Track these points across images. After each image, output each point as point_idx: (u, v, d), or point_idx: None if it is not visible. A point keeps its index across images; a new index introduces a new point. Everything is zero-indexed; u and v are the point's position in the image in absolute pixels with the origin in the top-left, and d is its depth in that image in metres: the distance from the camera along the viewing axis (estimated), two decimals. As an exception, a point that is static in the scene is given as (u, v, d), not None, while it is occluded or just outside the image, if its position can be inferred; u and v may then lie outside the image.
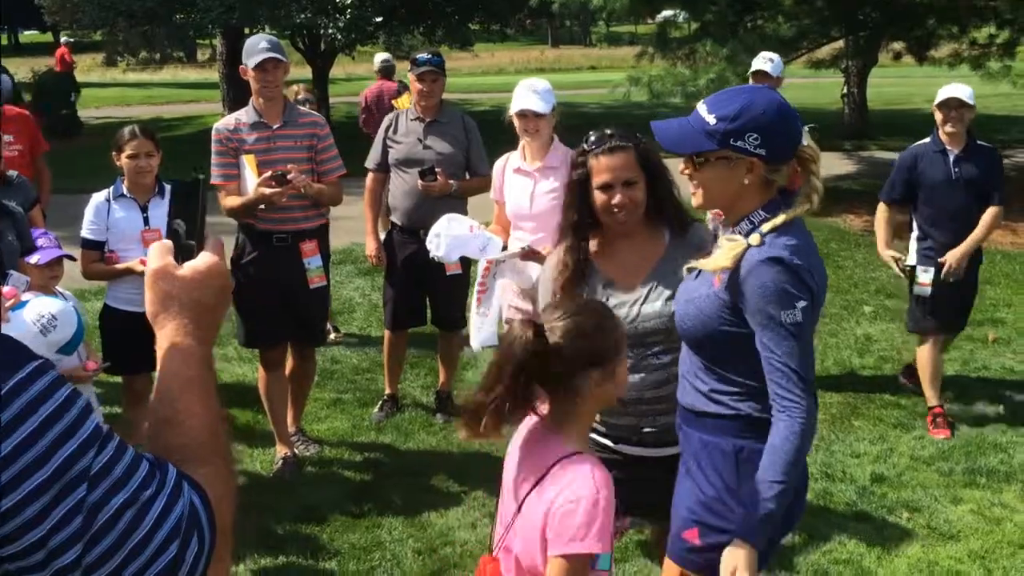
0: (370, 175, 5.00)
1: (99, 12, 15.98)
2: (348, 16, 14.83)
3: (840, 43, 13.75)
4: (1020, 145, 14.15)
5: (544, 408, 2.04)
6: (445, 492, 4.29)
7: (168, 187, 3.96)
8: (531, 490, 1.96)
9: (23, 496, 0.90)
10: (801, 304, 2.05)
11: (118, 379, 4.50)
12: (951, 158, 4.80)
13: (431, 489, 4.32)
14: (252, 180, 4.17)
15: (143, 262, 3.68)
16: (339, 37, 15.17)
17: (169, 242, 1.21)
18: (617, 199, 2.49)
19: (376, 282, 7.02)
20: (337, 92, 23.60)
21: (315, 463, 4.59)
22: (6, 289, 3.06)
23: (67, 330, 3.26)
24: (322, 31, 15.17)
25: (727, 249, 2.12)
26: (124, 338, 4.01)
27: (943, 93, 4.81)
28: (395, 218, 4.93)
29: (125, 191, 4.14)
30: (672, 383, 2.43)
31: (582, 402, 1.99)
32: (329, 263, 4.58)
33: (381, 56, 9.27)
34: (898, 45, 13.97)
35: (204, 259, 1.21)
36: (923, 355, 4.94)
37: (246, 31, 14.60)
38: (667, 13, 16.09)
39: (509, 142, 4.31)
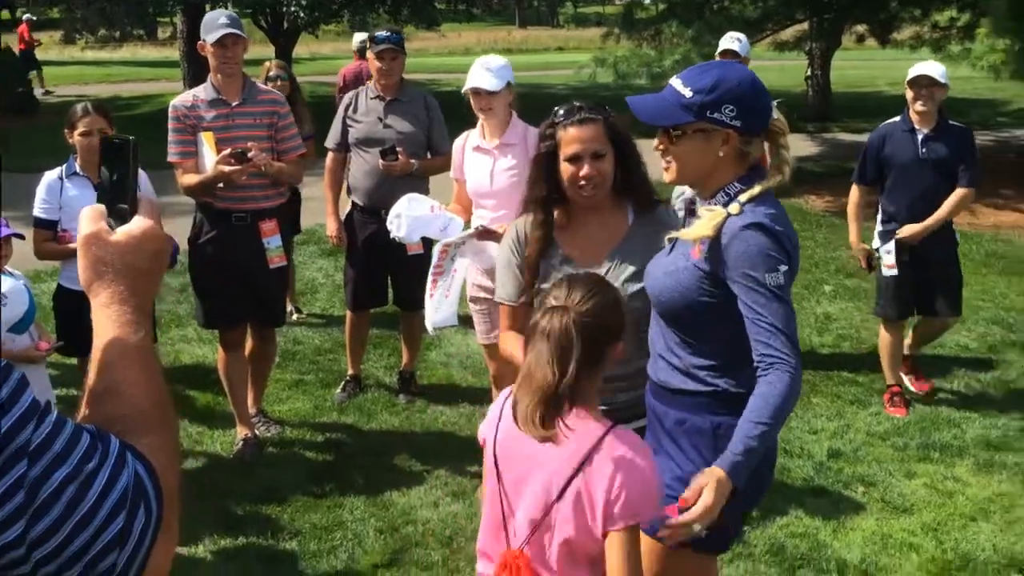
0: (330, 155, 4.95)
1: (56, -12, 15.65)
2: (312, -7, 14.68)
3: (804, 25, 13.84)
4: (981, 127, 14.37)
5: None
6: (407, 472, 4.29)
7: None
8: (575, 473, 1.92)
9: None
10: (783, 268, 2.09)
11: (74, 360, 4.44)
12: (919, 137, 4.71)
13: (393, 469, 4.32)
14: (210, 158, 4.11)
15: None
16: (302, 15, 14.99)
17: (101, 206, 1.17)
18: (585, 171, 2.47)
19: (339, 263, 6.97)
20: (301, 72, 23.34)
21: (276, 444, 4.57)
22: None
23: (18, 308, 3.21)
24: (285, 8, 14.98)
25: (707, 219, 2.13)
26: (78, 318, 3.94)
27: (914, 70, 4.71)
28: (356, 198, 4.89)
29: (78, 169, 4.07)
30: (630, 362, 2.42)
31: (600, 377, 2.01)
32: (292, 242, 4.54)
33: (360, 35, 9.40)
34: (861, 28, 14.10)
35: (138, 223, 1.17)
36: (885, 336, 4.98)
37: (207, 8, 14.37)
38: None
39: (475, 121, 4.29)
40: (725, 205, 2.15)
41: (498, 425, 2.07)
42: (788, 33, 13.80)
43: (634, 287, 2.47)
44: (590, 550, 1.95)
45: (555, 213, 2.59)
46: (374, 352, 5.68)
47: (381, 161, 4.60)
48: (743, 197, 2.14)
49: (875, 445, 4.55)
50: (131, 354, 1.11)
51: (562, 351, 1.91)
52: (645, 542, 2.16)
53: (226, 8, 13.12)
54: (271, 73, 5.82)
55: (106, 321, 1.12)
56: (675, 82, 2.17)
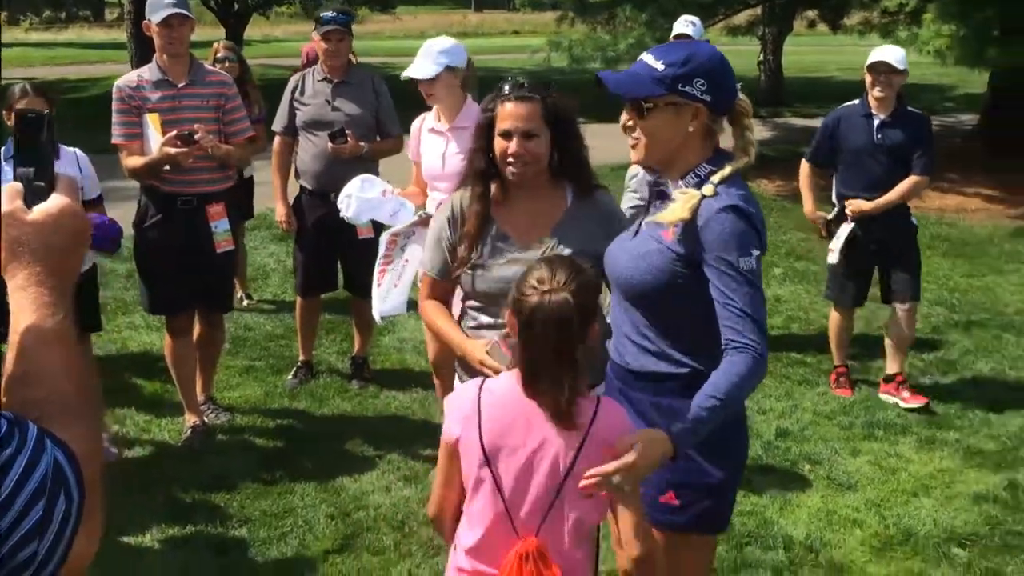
0: (277, 139, 4.88)
1: (-3, -33, 15.20)
2: (262, -25, 14.45)
3: (757, 10, 13.96)
4: (928, 112, 14.61)
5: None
6: (360, 457, 4.27)
7: (60, 147, 3.80)
8: (580, 449, 1.96)
9: None
10: (755, 252, 2.10)
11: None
12: (875, 123, 4.67)
13: (345, 454, 4.30)
14: (156, 140, 4.04)
15: None
16: (253, -4, 14.75)
17: (17, 185, 1.13)
18: (512, 148, 2.44)
19: (290, 248, 6.88)
20: (253, 54, 22.99)
21: (226, 431, 4.51)
22: None
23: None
24: (235, -11, 14.73)
25: (683, 201, 2.12)
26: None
27: (873, 56, 4.66)
28: (304, 182, 4.83)
29: (17, 152, 3.96)
30: None
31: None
32: (242, 227, 4.47)
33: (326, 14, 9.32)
34: (812, 13, 14.25)
35: (55, 201, 1.14)
36: (834, 318, 5.03)
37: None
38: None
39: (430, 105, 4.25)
40: (697, 186, 2.15)
41: (479, 421, 2.00)
42: (741, 18, 13.91)
43: None
44: (592, 524, 2.02)
45: (492, 188, 2.55)
46: (326, 338, 5.64)
47: (330, 144, 4.55)
48: (715, 178, 2.14)
49: (822, 424, 4.64)
50: (49, 338, 1.08)
51: (565, 332, 1.92)
52: (658, 538, 2.18)
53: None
54: (219, 55, 5.71)
55: (24, 304, 1.09)
56: (646, 57, 2.18)
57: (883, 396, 4.87)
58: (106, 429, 4.30)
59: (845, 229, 4.76)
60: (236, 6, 16.39)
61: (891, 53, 4.63)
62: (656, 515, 2.24)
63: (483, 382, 2.07)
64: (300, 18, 24.25)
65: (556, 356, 1.93)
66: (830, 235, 4.87)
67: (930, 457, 4.32)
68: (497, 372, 2.31)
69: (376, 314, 3.83)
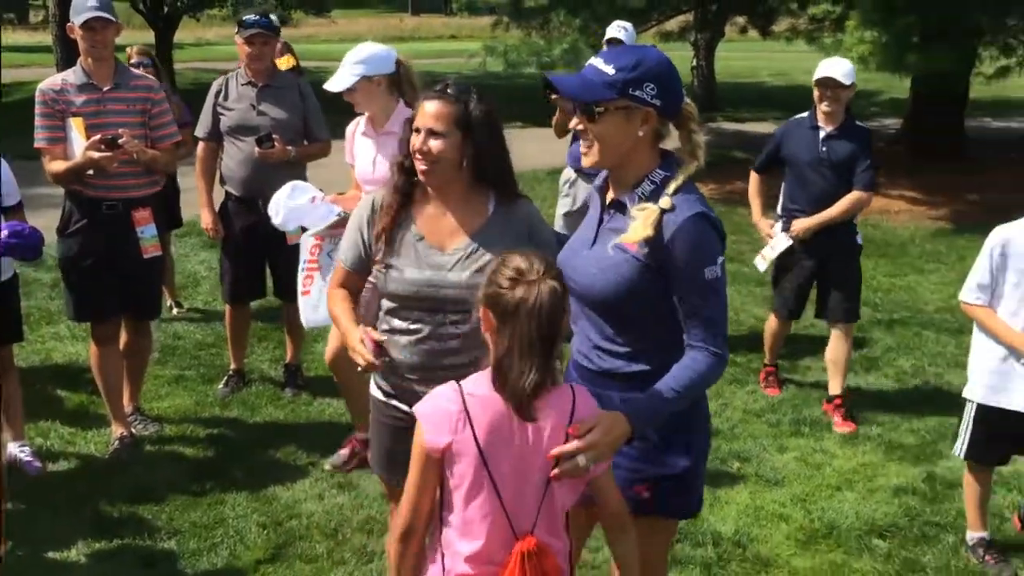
0: (201, 144, 4.80)
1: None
2: (192, -23, 14.22)
3: (689, 16, 14.21)
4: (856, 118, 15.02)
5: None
6: (292, 465, 4.23)
7: None
8: (567, 438, 2.00)
9: None
10: (720, 259, 2.17)
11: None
12: (821, 136, 4.65)
13: (278, 463, 4.26)
14: (80, 144, 3.97)
15: None
16: (183, -1, 14.50)
17: None
18: (416, 144, 2.44)
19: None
20: (184, 58, 22.58)
21: (154, 442, 4.43)
22: None
23: None
24: (164, -8, 14.47)
25: (643, 218, 2.15)
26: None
27: (820, 70, 4.63)
28: (230, 188, 4.77)
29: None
30: (468, 352, 2.40)
31: None
32: (168, 235, 4.40)
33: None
34: (742, 19, 14.54)
35: None
36: (770, 323, 5.11)
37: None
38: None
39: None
40: (651, 195, 2.19)
41: (471, 426, 1.98)
42: (673, 23, 14.13)
43: (483, 278, 2.32)
44: (576, 502, 2.07)
45: (418, 192, 2.54)
46: (259, 345, 5.57)
47: (257, 149, 4.50)
48: (670, 189, 2.17)
49: (751, 422, 4.74)
50: None
51: (556, 319, 1.94)
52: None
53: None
54: (132, 60, 5.53)
55: None
56: (595, 61, 2.20)
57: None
58: (28, 442, 4.19)
59: (783, 241, 4.77)
60: (166, 9, 16.06)
61: (838, 68, 4.60)
62: (630, 504, 2.29)
63: (460, 387, 2.03)
64: (232, 21, 23.87)
65: (541, 345, 1.93)
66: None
67: (854, 452, 4.45)
68: (367, 363, 2.35)
69: (306, 323, 3.80)
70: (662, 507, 2.32)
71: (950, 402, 5.02)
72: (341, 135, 4.16)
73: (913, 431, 4.67)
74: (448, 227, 2.51)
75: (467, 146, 2.43)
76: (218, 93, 4.72)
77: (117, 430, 4.33)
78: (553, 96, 4.73)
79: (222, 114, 4.69)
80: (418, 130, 2.44)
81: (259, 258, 4.80)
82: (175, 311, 6.12)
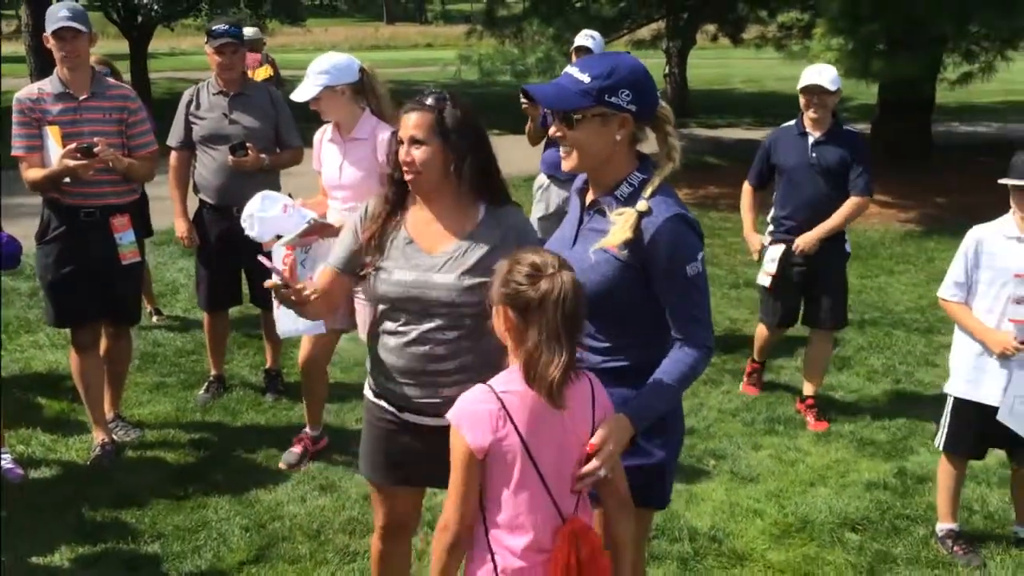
0: (173, 154, 4.82)
1: None
2: (167, -14, 14.19)
3: (661, 24, 14.36)
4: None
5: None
6: (274, 469, 4.26)
7: None
8: (594, 422, 2.12)
9: None
10: (700, 255, 2.25)
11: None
12: (810, 142, 4.67)
13: (259, 467, 4.29)
14: (56, 152, 4.01)
15: None
16: (156, 8, 14.46)
17: None
18: (401, 155, 2.50)
19: (201, 262, 6.82)
20: (159, 67, 22.50)
21: (136, 448, 4.45)
22: None
23: None
24: (137, 1, 14.41)
25: (622, 222, 2.22)
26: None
27: (805, 78, 4.63)
28: (204, 196, 4.79)
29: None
30: (455, 358, 2.47)
31: None
32: (144, 242, 4.42)
33: (248, 30, 9.50)
34: (712, 27, 14.73)
35: None
36: (760, 331, 5.11)
37: (52, 0, 13.66)
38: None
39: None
40: (629, 197, 2.26)
41: (513, 423, 2.03)
42: (645, 31, 14.27)
43: (470, 280, 2.46)
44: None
45: (408, 195, 2.59)
46: (239, 352, 5.60)
47: (231, 157, 4.54)
48: (647, 191, 2.25)
49: (726, 421, 4.83)
50: None
51: (580, 308, 2.03)
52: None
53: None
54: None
55: None
56: (571, 70, 2.27)
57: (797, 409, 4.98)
58: (10, 450, 4.20)
59: (777, 251, 4.78)
60: (140, 18, 16.00)
61: (823, 75, 4.60)
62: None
63: (491, 387, 2.06)
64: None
65: (567, 333, 2.00)
66: (761, 258, 4.88)
67: (827, 449, 4.55)
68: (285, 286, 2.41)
69: (283, 333, 3.83)
70: (640, 498, 2.38)
71: (920, 399, 5.17)
72: (312, 142, 4.23)
73: (884, 428, 4.78)
74: (438, 232, 2.54)
75: (448, 151, 2.47)
76: (190, 103, 4.75)
77: (98, 436, 4.34)
78: (524, 106, 4.82)
79: (194, 123, 4.73)
80: (402, 141, 2.50)
81: (235, 266, 4.82)
82: (155, 319, 6.12)
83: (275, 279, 2.45)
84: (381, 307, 2.61)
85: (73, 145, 3.95)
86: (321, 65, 3.90)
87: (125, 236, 4.18)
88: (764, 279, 4.84)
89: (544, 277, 2.02)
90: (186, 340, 5.84)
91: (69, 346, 4.44)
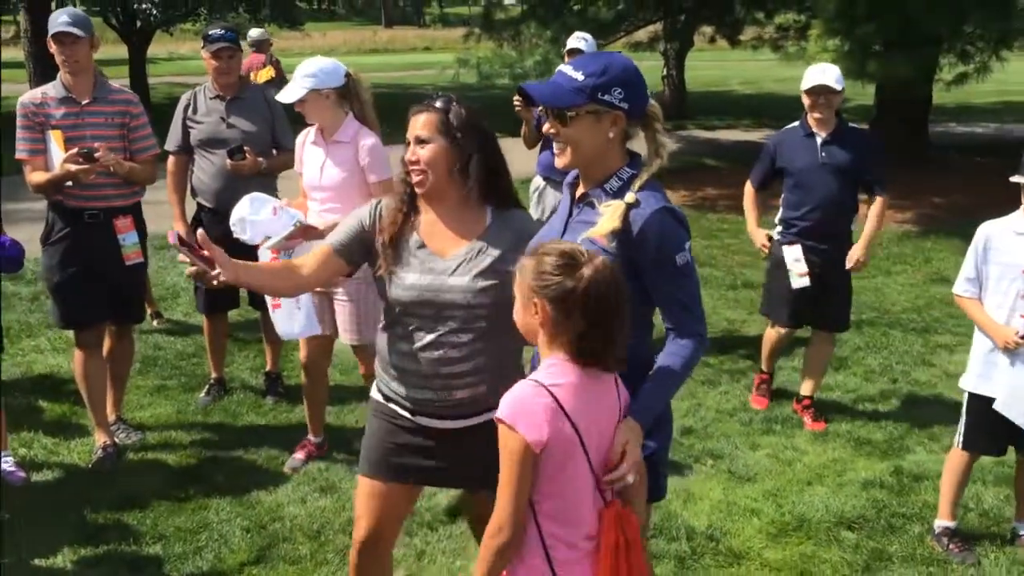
0: (171, 158, 4.85)
1: None
2: (165, -9, 14.24)
3: (658, 26, 14.40)
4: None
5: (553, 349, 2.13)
6: (275, 470, 4.29)
7: None
8: (622, 408, 2.18)
9: None
10: (688, 244, 2.30)
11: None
12: (818, 142, 4.64)
13: (260, 468, 4.32)
14: (59, 156, 4.06)
15: None
16: (155, 13, 14.50)
17: None
18: (406, 155, 2.53)
19: (201, 266, 6.84)
20: (159, 72, 22.54)
21: (137, 451, 4.48)
22: None
23: None
24: (136, 6, 14.45)
25: (610, 213, 2.27)
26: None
27: (809, 79, 4.60)
28: (202, 200, 4.81)
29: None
30: (469, 360, 2.49)
31: None
32: (146, 242, 4.44)
33: (255, 31, 9.65)
34: (709, 29, 14.77)
35: None
36: (770, 334, 5.05)
37: (53, 6, 13.72)
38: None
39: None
40: (619, 191, 2.31)
41: (566, 414, 2.05)
42: (642, 34, 14.31)
43: (483, 283, 2.49)
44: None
45: (419, 198, 2.60)
46: (239, 354, 5.63)
47: (229, 161, 4.57)
48: (635, 185, 2.30)
49: (724, 421, 4.86)
50: None
51: (624, 289, 2.08)
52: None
53: (75, 4, 12.57)
54: None
55: None
56: (565, 68, 2.32)
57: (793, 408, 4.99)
58: (11, 453, 4.23)
59: (797, 251, 4.71)
60: (139, 24, 16.03)
61: (828, 74, 4.58)
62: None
63: (539, 382, 2.07)
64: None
65: (616, 316, 2.07)
66: (771, 253, 4.83)
67: (824, 448, 4.58)
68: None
69: (283, 335, 3.88)
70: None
71: (917, 399, 5.20)
72: (299, 145, 4.27)
73: (881, 427, 4.81)
74: (448, 234, 2.56)
75: (454, 151, 2.50)
76: (187, 107, 4.79)
77: (100, 439, 4.37)
78: (517, 108, 4.82)
79: (192, 127, 4.76)
80: (408, 142, 2.53)
81: (233, 269, 4.84)
82: (155, 322, 6.16)
83: (187, 263, 2.42)
84: (394, 311, 2.60)
85: (75, 150, 4.01)
86: (308, 68, 3.95)
87: (128, 237, 4.24)
88: (802, 280, 4.68)
89: (581, 265, 2.06)
90: (187, 343, 5.87)
91: (71, 349, 4.47)
